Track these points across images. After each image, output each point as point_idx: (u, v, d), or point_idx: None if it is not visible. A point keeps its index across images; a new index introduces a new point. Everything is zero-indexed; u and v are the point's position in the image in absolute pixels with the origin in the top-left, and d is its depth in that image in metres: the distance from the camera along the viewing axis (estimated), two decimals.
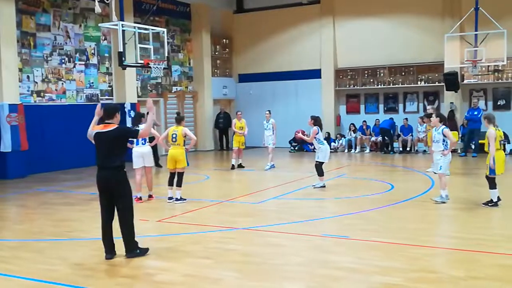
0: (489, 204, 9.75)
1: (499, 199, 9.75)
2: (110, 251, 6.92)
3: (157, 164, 16.32)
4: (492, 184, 9.72)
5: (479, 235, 7.90)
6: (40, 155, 16.00)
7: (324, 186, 12.26)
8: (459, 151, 18.79)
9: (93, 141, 7.03)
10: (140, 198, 10.92)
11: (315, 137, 12.37)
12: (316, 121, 12.47)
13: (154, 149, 15.33)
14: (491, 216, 9.36)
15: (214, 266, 6.58)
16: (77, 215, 9.92)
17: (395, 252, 7.02)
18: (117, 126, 6.93)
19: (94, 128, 7.04)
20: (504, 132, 19.09)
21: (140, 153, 11.08)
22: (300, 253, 7.13)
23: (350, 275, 6.13)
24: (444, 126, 10.41)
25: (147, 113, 7.52)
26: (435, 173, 14.05)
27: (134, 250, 6.92)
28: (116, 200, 6.86)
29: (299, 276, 6.20)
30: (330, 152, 20.78)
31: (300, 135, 13.94)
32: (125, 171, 6.95)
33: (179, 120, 11.10)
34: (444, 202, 10.09)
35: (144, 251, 6.99)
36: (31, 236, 8.46)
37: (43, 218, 9.84)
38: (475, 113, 18.51)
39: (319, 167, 12.29)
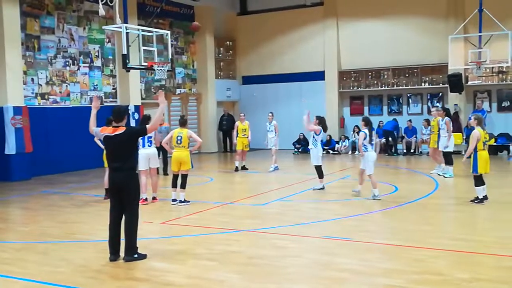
0: (475, 201, 10.12)
1: (485, 197, 10.12)
2: (114, 253, 6.94)
3: (165, 172, 15.67)
4: (478, 182, 10.11)
5: (483, 237, 7.88)
6: (44, 157, 16.04)
7: (323, 188, 12.25)
8: (463, 153, 18.73)
9: (95, 135, 7.41)
10: (146, 199, 10.94)
11: (313, 136, 12.30)
12: (321, 121, 12.42)
13: (165, 155, 15.21)
14: (496, 217, 9.35)
15: (218, 268, 6.59)
16: (81, 217, 9.95)
17: (399, 254, 7.01)
18: (125, 128, 6.98)
19: (103, 131, 7.08)
20: (507, 133, 19.21)
21: (146, 154, 11.11)
22: (304, 255, 7.13)
23: (354, 277, 6.13)
24: (364, 130, 10.81)
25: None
26: (439, 175, 14.08)
27: (133, 254, 6.93)
28: (125, 202, 6.93)
29: (302, 278, 6.20)
30: (333, 154, 21.08)
31: (307, 118, 12.29)
32: (136, 173, 7.06)
33: (183, 123, 11.12)
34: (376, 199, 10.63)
35: (142, 257, 6.98)
36: (35, 238, 8.48)
37: (48, 220, 9.87)
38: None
39: (318, 169, 12.28)
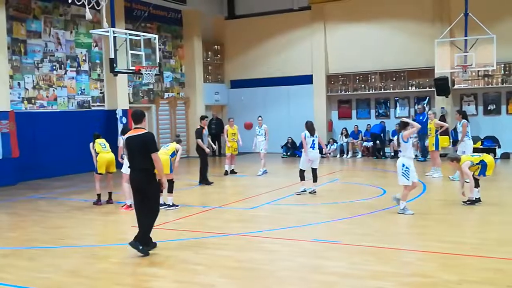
0: (467, 203, 10.29)
1: (479, 199, 10.34)
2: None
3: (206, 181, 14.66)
4: (476, 184, 10.35)
5: (472, 239, 7.95)
6: (31, 162, 15.91)
7: (305, 191, 12.16)
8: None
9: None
10: (130, 205, 10.70)
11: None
12: (307, 127, 12.27)
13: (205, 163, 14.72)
14: (484, 220, 9.43)
15: (207, 272, 6.58)
16: (69, 222, 9.88)
17: (388, 256, 7.05)
18: (147, 131, 7.49)
19: (125, 135, 7.64)
20: (493, 136, 19.37)
21: None
22: (293, 258, 7.14)
23: (343, 280, 6.15)
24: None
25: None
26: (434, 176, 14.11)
27: (139, 244, 7.27)
28: (143, 199, 7.37)
29: (292, 282, 6.21)
30: (322, 157, 21.06)
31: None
32: (154, 173, 7.36)
33: (178, 141, 11.54)
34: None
35: (144, 252, 7.30)
36: (23, 243, 8.41)
37: (35, 225, 9.79)
38: (420, 117, 18.06)
39: (300, 173, 12.29)
